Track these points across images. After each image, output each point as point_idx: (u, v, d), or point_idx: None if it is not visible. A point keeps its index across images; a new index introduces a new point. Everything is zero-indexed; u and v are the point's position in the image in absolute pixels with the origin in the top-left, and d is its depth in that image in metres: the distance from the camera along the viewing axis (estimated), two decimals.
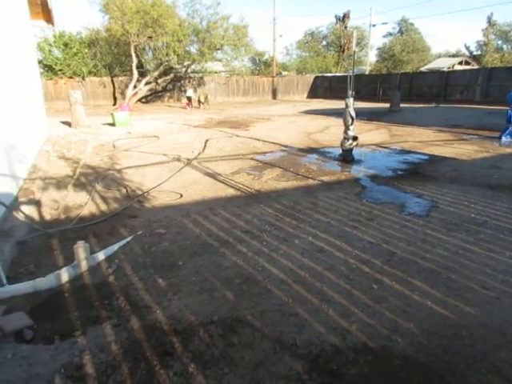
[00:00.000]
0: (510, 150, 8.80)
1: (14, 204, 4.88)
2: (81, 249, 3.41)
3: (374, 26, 37.97)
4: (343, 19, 44.68)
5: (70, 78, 25.61)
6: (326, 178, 6.37)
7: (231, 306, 2.80)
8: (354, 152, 7.69)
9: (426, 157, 8.11)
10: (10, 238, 3.96)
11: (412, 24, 47.67)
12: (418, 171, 6.85)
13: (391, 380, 2.10)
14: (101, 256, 3.65)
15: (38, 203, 5.25)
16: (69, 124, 14.27)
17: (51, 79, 24.99)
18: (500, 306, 2.74)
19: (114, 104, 25.25)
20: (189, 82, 28.49)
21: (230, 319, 2.64)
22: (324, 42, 48.36)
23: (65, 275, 3.27)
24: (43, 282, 3.17)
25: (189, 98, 23.51)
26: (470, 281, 3.08)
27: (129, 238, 4.05)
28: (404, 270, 3.25)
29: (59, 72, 25.38)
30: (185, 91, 25.99)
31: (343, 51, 43.85)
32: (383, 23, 47.30)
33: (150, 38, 22.27)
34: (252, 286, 3.05)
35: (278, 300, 2.85)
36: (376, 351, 2.31)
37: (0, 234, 3.99)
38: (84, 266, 3.42)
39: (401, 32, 48.35)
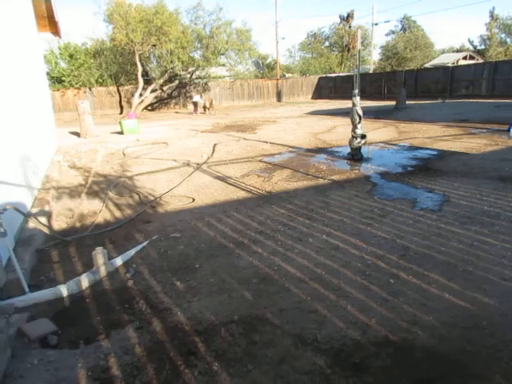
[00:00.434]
0: None
1: (30, 214, 4.96)
2: (99, 255, 3.47)
3: (376, 24, 37.88)
4: (347, 19, 44.73)
5: (77, 88, 25.95)
6: (336, 177, 6.39)
7: (250, 305, 2.84)
8: (362, 150, 7.70)
9: (435, 152, 8.09)
10: (29, 247, 4.04)
11: (414, 21, 47.52)
12: (428, 167, 6.84)
13: (414, 371, 2.11)
14: (118, 261, 3.71)
15: (53, 212, 5.35)
16: (77, 134, 14.45)
17: (58, 90, 25.34)
18: None
19: (121, 113, 25.49)
20: (194, 88, 28.68)
21: (250, 318, 2.68)
22: (327, 43, 48.37)
23: (85, 281, 3.33)
24: (64, 289, 3.23)
25: (195, 104, 23.50)
26: (487, 272, 3.08)
27: (144, 243, 4.11)
28: (420, 264, 3.27)
29: (67, 84, 25.73)
30: (191, 97, 26.17)
31: (348, 50, 43.84)
32: (385, 21, 47.03)
33: (154, 45, 22.48)
34: (269, 285, 3.08)
35: (297, 298, 2.88)
36: (397, 344, 2.33)
37: (19, 243, 4.07)
38: (103, 271, 3.48)
39: (403, 29, 48.20)
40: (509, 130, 10.01)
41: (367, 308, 2.70)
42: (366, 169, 6.98)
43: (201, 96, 25.02)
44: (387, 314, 2.63)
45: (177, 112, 26.59)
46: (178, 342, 2.49)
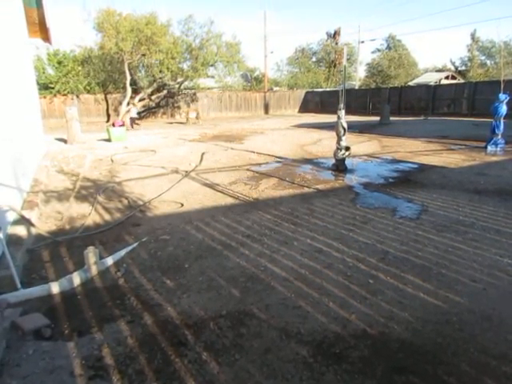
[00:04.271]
0: (495, 158, 9.18)
1: (22, 214, 5.01)
2: (91, 254, 3.57)
3: (362, 42, 39.09)
4: (334, 36, 45.91)
5: (64, 95, 25.83)
6: (320, 186, 6.62)
7: (238, 301, 2.99)
8: (346, 162, 7.98)
9: (416, 165, 8.43)
10: (20, 247, 4.11)
11: (399, 40, 48.96)
12: (409, 179, 7.14)
13: (390, 360, 2.29)
14: (109, 261, 3.81)
15: (42, 214, 5.41)
16: (64, 140, 14.42)
17: (45, 97, 25.16)
18: (487, 295, 2.97)
19: (108, 121, 25.42)
20: (182, 98, 28.88)
21: (237, 313, 2.82)
22: (314, 58, 49.38)
23: (77, 279, 3.43)
24: (56, 286, 3.32)
25: (132, 119, 21.29)
26: (459, 275, 3.31)
27: (135, 245, 4.22)
28: (398, 267, 3.47)
29: (54, 91, 25.60)
30: (179, 107, 26.23)
31: (334, 66, 44.85)
32: (371, 40, 48.10)
33: (144, 55, 22.64)
34: (256, 284, 3.24)
35: (282, 295, 3.04)
36: (375, 337, 2.51)
37: (10, 243, 4.13)
38: (94, 270, 3.58)
39: (388, 48, 49.58)
40: (486, 147, 10.46)
41: (348, 305, 2.88)
42: (350, 179, 7.24)
43: (137, 109, 23.20)
44: (366, 310, 2.81)
45: (164, 121, 26.67)
46: (168, 335, 2.61)
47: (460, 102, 24.03)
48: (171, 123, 24.30)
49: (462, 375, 2.16)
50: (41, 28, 11.89)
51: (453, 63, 46.80)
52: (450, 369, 2.21)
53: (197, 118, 23.48)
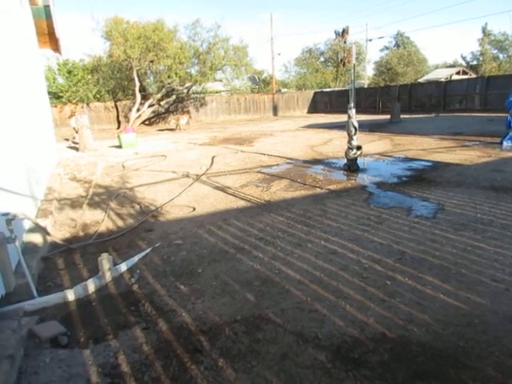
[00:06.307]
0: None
1: (37, 222, 5.06)
2: (105, 260, 3.58)
3: (370, 40, 38.88)
4: (343, 34, 45.87)
5: (75, 104, 26.17)
6: (333, 187, 6.55)
7: (253, 305, 2.95)
8: (358, 161, 7.88)
9: (429, 163, 8.29)
10: (35, 254, 4.13)
11: (408, 37, 48.58)
12: (423, 177, 7.02)
13: (410, 364, 2.22)
14: (123, 267, 3.81)
15: (56, 222, 5.45)
16: (76, 148, 14.59)
17: (56, 106, 25.52)
18: (510, 296, 2.87)
19: (118, 127, 25.68)
20: (191, 102, 29.03)
21: (252, 317, 2.78)
22: (322, 58, 49.27)
23: (91, 286, 3.43)
24: (71, 293, 3.32)
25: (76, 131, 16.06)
26: (479, 275, 3.22)
27: (148, 250, 4.22)
28: (415, 267, 3.40)
29: (65, 99, 25.96)
30: (188, 112, 26.28)
31: (344, 65, 44.74)
32: (379, 37, 47.81)
33: (152, 61, 22.85)
34: (271, 287, 3.20)
35: (297, 298, 2.99)
36: (394, 340, 2.44)
37: (25, 251, 4.16)
38: (108, 276, 3.58)
39: (397, 45, 49.23)
40: (501, 143, 10.24)
41: (365, 308, 2.82)
42: (362, 179, 7.15)
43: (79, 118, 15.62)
44: (384, 313, 2.74)
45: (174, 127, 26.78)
46: (183, 341, 2.58)
47: (472, 97, 23.65)
48: (162, 130, 24.04)
49: (488, 380, 2.08)
50: (50, 39, 12.04)
51: (463, 58, 46.28)
52: (475, 373, 2.13)
53: (187, 123, 23.34)
